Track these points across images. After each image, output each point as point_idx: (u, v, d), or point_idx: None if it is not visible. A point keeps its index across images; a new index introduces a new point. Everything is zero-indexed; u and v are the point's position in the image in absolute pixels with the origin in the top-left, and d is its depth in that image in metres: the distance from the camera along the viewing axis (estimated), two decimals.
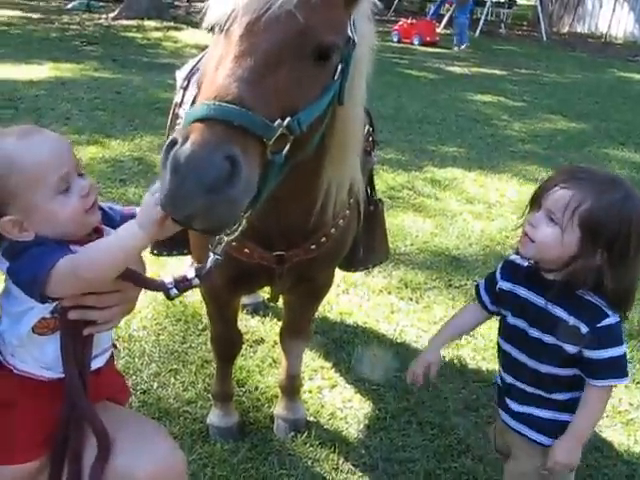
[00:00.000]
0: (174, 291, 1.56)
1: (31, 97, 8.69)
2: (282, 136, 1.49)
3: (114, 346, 1.87)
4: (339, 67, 1.64)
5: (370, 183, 2.72)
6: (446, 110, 9.60)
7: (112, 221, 1.70)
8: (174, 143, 1.36)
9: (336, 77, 1.64)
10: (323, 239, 2.19)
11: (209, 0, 1.63)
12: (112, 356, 1.85)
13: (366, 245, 2.71)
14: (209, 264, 1.59)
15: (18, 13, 18.46)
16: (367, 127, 2.38)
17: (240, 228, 1.62)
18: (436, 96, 10.59)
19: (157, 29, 16.92)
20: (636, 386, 3.42)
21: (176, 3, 23.26)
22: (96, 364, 1.69)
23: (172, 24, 17.53)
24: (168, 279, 1.57)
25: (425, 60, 14.48)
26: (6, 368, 1.61)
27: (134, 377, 3.23)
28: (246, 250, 2.11)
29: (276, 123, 1.47)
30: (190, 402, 3.11)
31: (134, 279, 1.59)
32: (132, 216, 1.73)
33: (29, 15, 18.23)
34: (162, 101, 8.68)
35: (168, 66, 11.61)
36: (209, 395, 3.09)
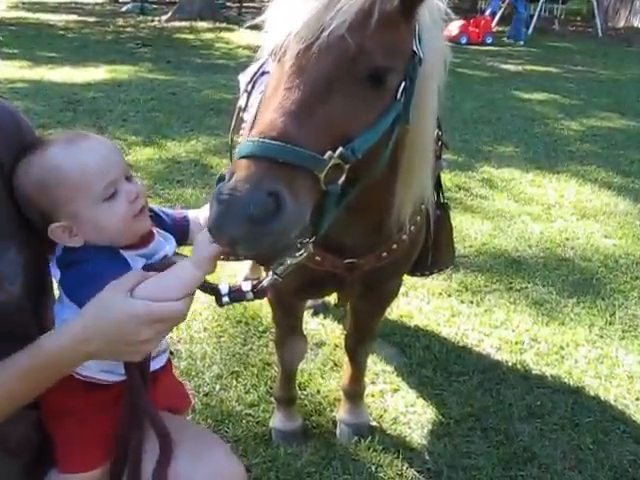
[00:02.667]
0: (225, 299, 1.52)
1: (89, 99, 8.86)
2: (337, 166, 1.45)
3: (170, 352, 1.85)
4: (402, 86, 1.57)
5: (438, 186, 2.68)
6: (501, 109, 9.46)
7: (164, 225, 1.69)
8: (222, 179, 1.36)
9: (398, 97, 1.57)
10: (394, 246, 2.17)
11: (267, 22, 1.60)
12: (170, 362, 1.84)
13: (432, 250, 2.67)
14: (266, 282, 1.53)
15: (74, 17, 18.87)
16: (436, 131, 2.35)
17: (306, 254, 1.56)
18: (491, 95, 10.46)
19: (209, 30, 17.11)
20: None
21: (228, 4, 23.48)
22: (154, 365, 1.67)
23: (224, 25, 17.71)
24: (223, 286, 1.53)
25: (478, 58, 14.30)
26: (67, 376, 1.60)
27: (196, 379, 3.25)
28: (317, 258, 2.09)
29: (327, 155, 1.42)
30: (252, 405, 3.11)
31: None
32: (184, 219, 1.74)
33: (85, 19, 18.62)
34: (216, 102, 8.80)
35: (221, 67, 11.81)
36: (271, 398, 3.09)
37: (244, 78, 3.01)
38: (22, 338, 1.50)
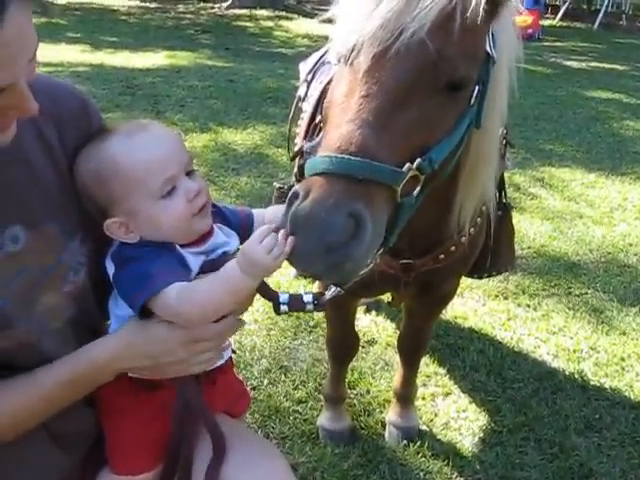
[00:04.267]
0: (284, 308, 1.45)
1: (148, 84, 8.92)
2: (413, 177, 1.38)
3: (233, 352, 1.81)
4: (475, 90, 1.48)
5: (500, 186, 2.58)
6: (563, 107, 9.20)
7: (228, 222, 1.61)
8: (296, 196, 1.29)
9: (472, 102, 1.49)
10: (453, 248, 2.08)
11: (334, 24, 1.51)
12: (231, 362, 1.78)
13: (492, 251, 2.58)
14: (328, 295, 1.48)
15: (136, 2, 19.07)
16: (501, 129, 2.25)
17: (372, 266, 1.50)
18: (553, 92, 10.17)
19: (269, 18, 17.10)
20: None
21: None
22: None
23: (284, 13, 17.67)
24: (283, 294, 1.47)
25: (540, 54, 13.95)
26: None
27: (244, 372, 3.22)
28: None
29: (405, 167, 1.35)
30: (300, 402, 3.07)
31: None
32: (248, 218, 1.65)
33: (146, 4, 18.80)
34: (274, 90, 8.77)
35: (279, 55, 11.80)
36: (320, 395, 3.04)
37: (304, 67, 2.95)
38: (92, 331, 1.49)
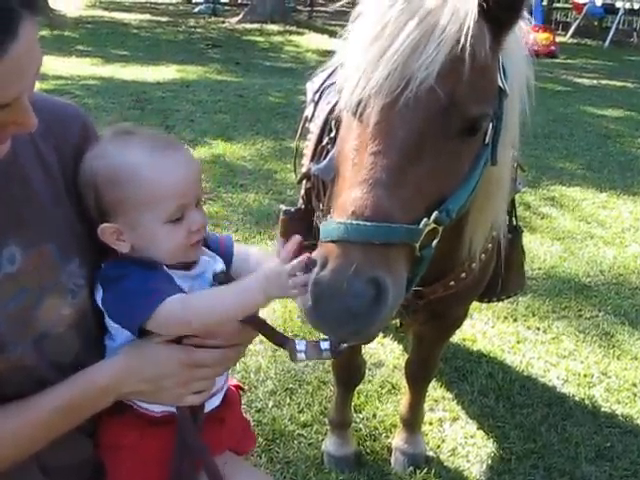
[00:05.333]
0: (301, 356, 1.42)
1: (157, 98, 8.94)
2: (432, 230, 1.35)
3: (241, 389, 1.76)
4: (489, 128, 1.43)
5: (511, 209, 2.54)
6: (574, 125, 9.15)
7: (207, 247, 1.58)
8: (313, 264, 1.26)
9: (487, 141, 1.43)
10: (463, 275, 2.03)
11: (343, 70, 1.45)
12: (238, 399, 1.74)
13: (503, 275, 2.53)
14: (347, 344, 1.43)
15: (148, 16, 19.21)
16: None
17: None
18: (563, 109, 10.13)
19: (279, 33, 17.16)
20: None
21: (299, 7, 23.55)
22: (211, 404, 1.56)
23: (294, 28, 17.74)
24: (300, 341, 1.43)
25: (551, 70, 13.92)
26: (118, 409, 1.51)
27: (249, 394, 3.17)
28: None
29: (422, 223, 1.31)
30: (305, 425, 3.01)
31: (262, 329, 1.48)
32: (228, 244, 1.62)
33: (158, 18, 18.94)
34: (283, 106, 8.78)
35: (289, 71, 11.82)
36: (325, 419, 2.99)
37: (311, 87, 2.91)
38: (93, 357, 1.46)
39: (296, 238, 1.37)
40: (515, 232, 2.58)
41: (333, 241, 1.26)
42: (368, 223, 1.24)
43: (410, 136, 1.30)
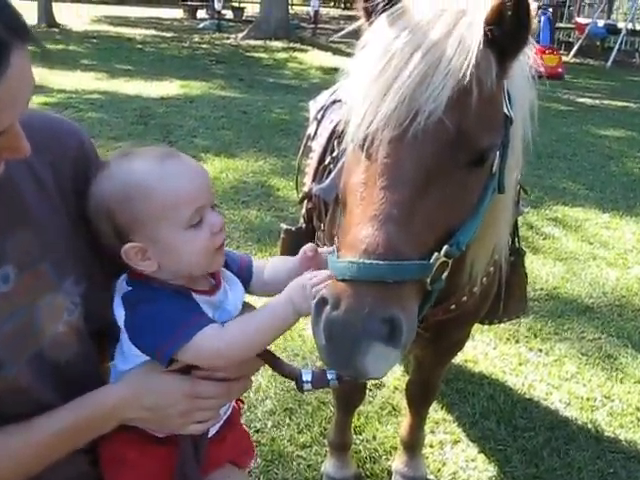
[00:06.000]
0: (308, 386, 1.41)
1: (161, 113, 8.96)
2: (442, 263, 1.33)
3: (241, 402, 1.74)
4: (496, 157, 1.41)
5: (514, 231, 2.52)
6: (577, 144, 9.15)
7: (227, 267, 1.56)
8: (324, 302, 1.24)
9: (494, 170, 1.42)
10: (464, 298, 2.00)
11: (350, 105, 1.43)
12: (238, 413, 1.72)
13: (505, 298, 2.50)
14: None
15: (152, 32, 19.30)
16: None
17: None
18: (566, 129, 10.14)
19: (283, 50, 17.25)
20: None
21: (302, 25, 23.68)
22: (214, 430, 1.56)
23: (298, 45, 17.83)
24: (306, 371, 1.42)
25: (554, 90, 13.96)
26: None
27: (248, 413, 3.14)
28: None
29: (433, 258, 1.30)
30: (305, 446, 2.98)
31: (268, 358, 1.47)
32: (247, 269, 1.60)
33: (163, 34, 19.05)
34: (286, 123, 8.78)
35: (293, 87, 11.85)
36: (325, 440, 2.95)
37: (315, 105, 2.91)
38: (88, 376, 1.44)
39: (310, 246, 1.37)
40: (517, 254, 2.56)
41: (345, 280, 1.24)
42: (380, 262, 1.22)
43: (419, 170, 1.28)
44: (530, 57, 1.57)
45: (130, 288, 1.41)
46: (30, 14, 19.98)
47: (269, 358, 1.47)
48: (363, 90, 1.36)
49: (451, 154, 1.29)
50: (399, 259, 1.24)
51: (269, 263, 1.64)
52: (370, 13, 1.46)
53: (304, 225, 2.50)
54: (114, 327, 1.41)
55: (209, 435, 1.52)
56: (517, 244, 2.59)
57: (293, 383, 1.43)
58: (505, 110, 1.42)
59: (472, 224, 1.38)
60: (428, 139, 1.28)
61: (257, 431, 3.04)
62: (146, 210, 1.35)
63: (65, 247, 1.39)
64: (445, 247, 1.31)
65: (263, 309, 1.39)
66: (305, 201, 2.44)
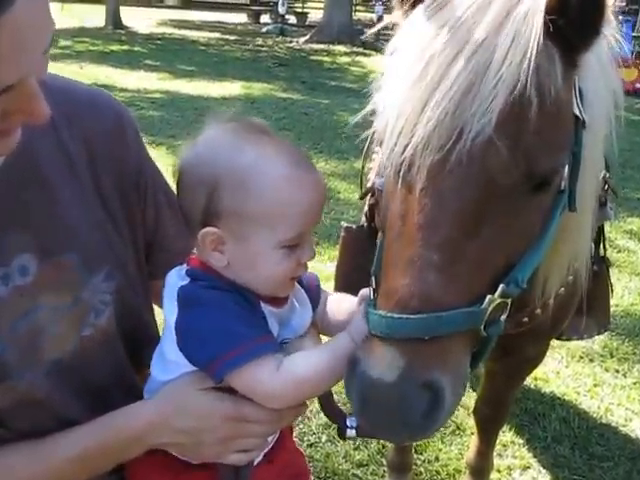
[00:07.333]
0: (352, 433, 1.26)
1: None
2: (498, 305, 1.09)
3: None
4: (565, 170, 1.16)
5: (598, 238, 2.26)
6: None
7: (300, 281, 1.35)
8: (357, 361, 1.05)
9: (563, 187, 1.16)
10: (538, 311, 1.77)
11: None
12: (291, 429, 1.52)
13: (587, 312, 2.26)
14: None
15: (216, 35, 19.46)
16: (603, 172, 1.92)
17: None
18: (639, 138, 9.71)
19: (346, 54, 17.17)
20: None
21: (365, 30, 23.55)
22: (259, 457, 1.33)
23: (361, 50, 17.72)
24: (352, 418, 1.26)
25: (625, 99, 13.45)
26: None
27: (301, 425, 2.96)
28: None
29: (485, 302, 1.06)
30: (361, 465, 2.78)
31: (322, 398, 1.32)
32: (317, 283, 1.39)
33: (226, 37, 19.19)
34: (347, 126, 8.60)
35: (354, 91, 11.65)
36: (383, 459, 2.75)
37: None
38: (118, 388, 1.26)
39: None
40: (602, 263, 2.31)
41: (378, 336, 1.04)
42: (413, 316, 1.02)
43: (465, 203, 1.04)
44: (609, 42, 1.32)
45: (189, 280, 1.20)
46: (99, 17, 20.44)
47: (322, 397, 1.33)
48: (396, 104, 1.12)
49: (504, 180, 1.05)
50: (438, 311, 1.03)
51: (332, 298, 1.42)
52: (407, 3, 1.21)
53: (365, 223, 2.31)
54: (150, 329, 1.22)
55: (255, 463, 1.32)
56: (602, 252, 2.34)
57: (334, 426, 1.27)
58: (576, 111, 1.15)
59: (534, 255, 1.14)
60: (475, 164, 1.04)
61: (310, 445, 2.86)
62: (257, 209, 1.14)
63: (95, 236, 1.21)
64: (501, 287, 1.08)
65: (329, 348, 1.19)
66: (367, 197, 2.24)
